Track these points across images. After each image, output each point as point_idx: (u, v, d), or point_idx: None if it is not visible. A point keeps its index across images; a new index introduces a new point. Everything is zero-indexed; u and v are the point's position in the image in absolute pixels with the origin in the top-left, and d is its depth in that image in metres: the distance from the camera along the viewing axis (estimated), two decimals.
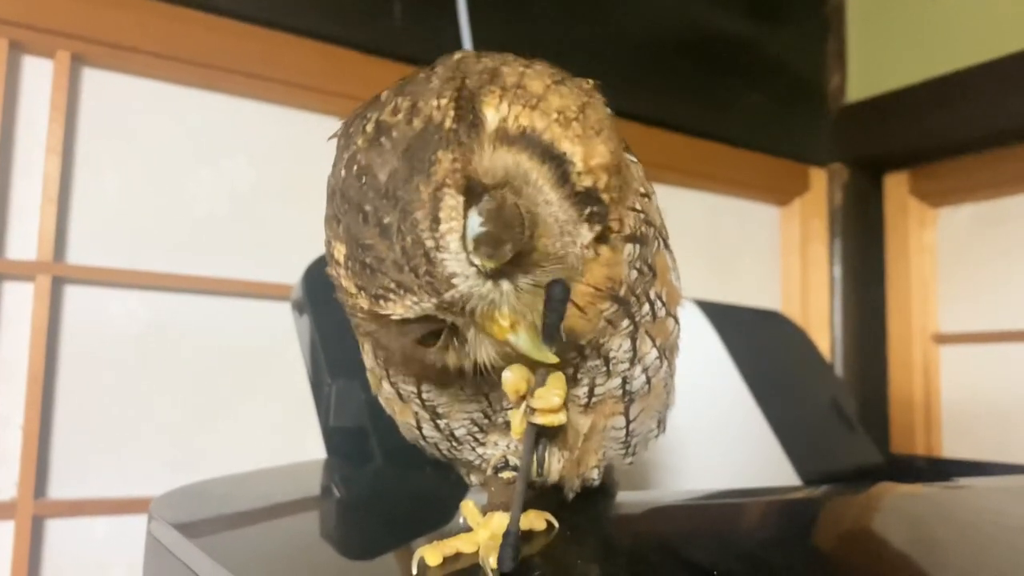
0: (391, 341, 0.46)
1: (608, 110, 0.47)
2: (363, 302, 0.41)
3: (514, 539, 0.42)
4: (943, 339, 1.87)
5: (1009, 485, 0.91)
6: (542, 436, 0.47)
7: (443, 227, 0.39)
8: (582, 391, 0.51)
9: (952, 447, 1.82)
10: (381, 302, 0.41)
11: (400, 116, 0.41)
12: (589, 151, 0.43)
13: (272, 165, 1.32)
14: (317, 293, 0.95)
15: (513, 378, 0.45)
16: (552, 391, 0.44)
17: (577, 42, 1.60)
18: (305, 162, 1.34)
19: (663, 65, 1.75)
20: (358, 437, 0.85)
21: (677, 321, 0.55)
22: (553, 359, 0.42)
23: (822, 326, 1.91)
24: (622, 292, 0.47)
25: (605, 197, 0.44)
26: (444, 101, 0.41)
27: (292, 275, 1.14)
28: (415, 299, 0.40)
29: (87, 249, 1.17)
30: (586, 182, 0.43)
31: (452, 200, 0.39)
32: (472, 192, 0.40)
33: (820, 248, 1.94)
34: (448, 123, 0.40)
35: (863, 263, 1.94)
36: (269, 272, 1.28)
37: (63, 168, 1.15)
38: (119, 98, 1.21)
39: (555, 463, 0.52)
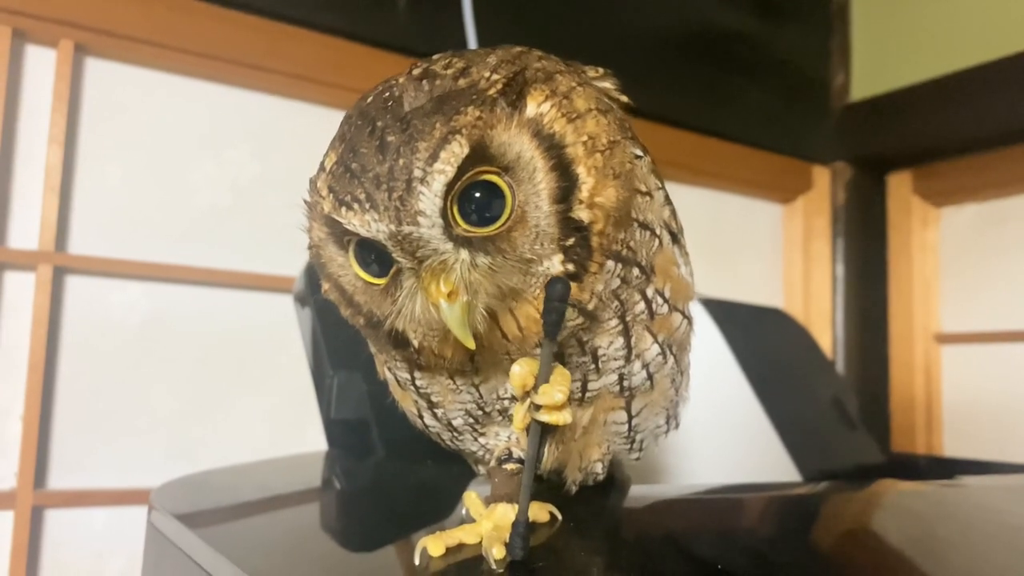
0: (335, 270, 0.48)
1: (636, 156, 0.48)
2: (326, 204, 0.42)
3: (523, 529, 0.42)
4: (945, 339, 1.86)
5: (1010, 484, 0.91)
6: (547, 432, 0.46)
7: (437, 165, 0.40)
8: (574, 386, 0.50)
9: (953, 446, 1.81)
10: (343, 209, 0.41)
11: (449, 71, 0.44)
12: (599, 186, 0.44)
13: (275, 157, 1.31)
14: (319, 284, 0.95)
15: (520, 372, 0.44)
16: (556, 387, 0.44)
17: (582, 37, 1.59)
18: (308, 154, 1.32)
19: (667, 61, 1.75)
20: (359, 429, 0.85)
21: (685, 316, 0.54)
22: (471, 344, 0.43)
23: (824, 324, 1.91)
24: (590, 305, 0.47)
25: (594, 240, 0.44)
26: (497, 76, 0.43)
27: (294, 267, 1.14)
28: (375, 217, 0.41)
29: (89, 239, 1.16)
30: (582, 214, 0.44)
31: (458, 148, 0.40)
32: (478, 153, 0.41)
33: (823, 246, 1.94)
34: (492, 91, 0.42)
35: (866, 262, 1.94)
36: (271, 264, 1.28)
37: (65, 158, 1.14)
38: (122, 88, 1.21)
39: (548, 453, 0.52)
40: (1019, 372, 1.72)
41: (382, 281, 0.45)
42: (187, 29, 1.21)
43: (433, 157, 0.40)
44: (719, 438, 1.10)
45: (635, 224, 0.47)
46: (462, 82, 0.43)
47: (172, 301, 1.21)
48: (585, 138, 0.44)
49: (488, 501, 0.50)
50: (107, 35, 1.16)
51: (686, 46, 1.78)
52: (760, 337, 1.30)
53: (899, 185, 1.95)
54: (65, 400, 1.14)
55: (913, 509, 0.69)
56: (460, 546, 0.46)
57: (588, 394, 0.51)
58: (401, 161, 0.40)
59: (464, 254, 0.42)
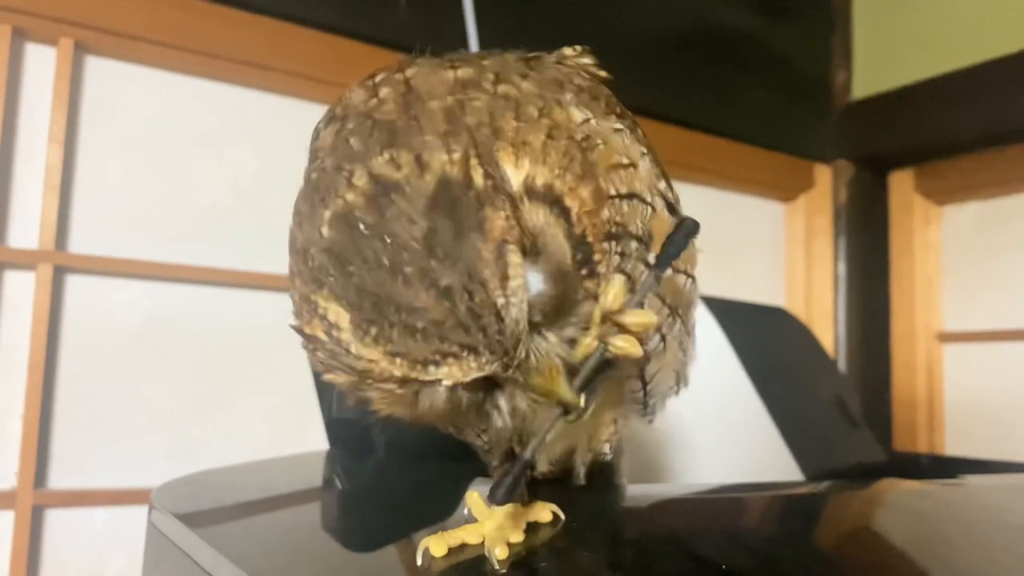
0: (406, 403, 0.43)
1: (615, 129, 0.47)
2: (399, 370, 0.39)
3: (519, 471, 0.41)
4: (947, 337, 1.86)
5: (1013, 483, 0.91)
6: (603, 371, 0.44)
7: (512, 284, 0.38)
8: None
9: (955, 446, 1.81)
10: (431, 368, 0.38)
11: (405, 171, 0.39)
12: (581, 201, 0.43)
13: (275, 156, 1.31)
14: None
15: (616, 289, 0.43)
16: (647, 314, 0.43)
17: (582, 35, 1.58)
18: (308, 153, 1.32)
19: (668, 59, 1.74)
20: (360, 429, 0.85)
21: (689, 275, 0.53)
22: (580, 404, 0.42)
23: (825, 323, 1.91)
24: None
25: (590, 239, 0.44)
26: (457, 156, 0.40)
27: None
28: (481, 360, 0.38)
29: (89, 238, 1.16)
30: (578, 229, 0.43)
31: (515, 257, 0.39)
32: (524, 249, 0.40)
33: (824, 245, 1.94)
34: (479, 180, 0.39)
35: (867, 260, 1.94)
36: (271, 263, 1.27)
37: (65, 157, 1.14)
38: (122, 87, 1.20)
39: (558, 438, 0.51)
40: (1021, 371, 1.72)
41: (470, 401, 0.43)
42: (187, 27, 1.20)
43: (504, 279, 0.38)
44: (721, 437, 1.10)
45: (617, 199, 0.47)
46: (429, 178, 0.39)
47: (173, 300, 1.21)
48: (557, 170, 0.43)
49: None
50: (107, 33, 1.15)
51: (687, 44, 1.78)
52: (762, 336, 1.29)
53: (901, 183, 1.95)
54: (65, 400, 1.13)
55: (918, 509, 0.69)
56: (463, 546, 0.46)
57: None
58: (477, 299, 0.37)
59: (546, 339, 0.42)
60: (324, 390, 0.88)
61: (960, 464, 1.32)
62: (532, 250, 0.41)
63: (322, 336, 0.41)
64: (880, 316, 1.92)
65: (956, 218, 1.89)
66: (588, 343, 0.43)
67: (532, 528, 0.48)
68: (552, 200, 0.42)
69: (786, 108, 1.94)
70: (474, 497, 0.50)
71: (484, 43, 1.22)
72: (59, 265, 1.13)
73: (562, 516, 0.49)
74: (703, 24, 1.81)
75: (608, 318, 0.43)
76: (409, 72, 0.46)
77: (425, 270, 0.37)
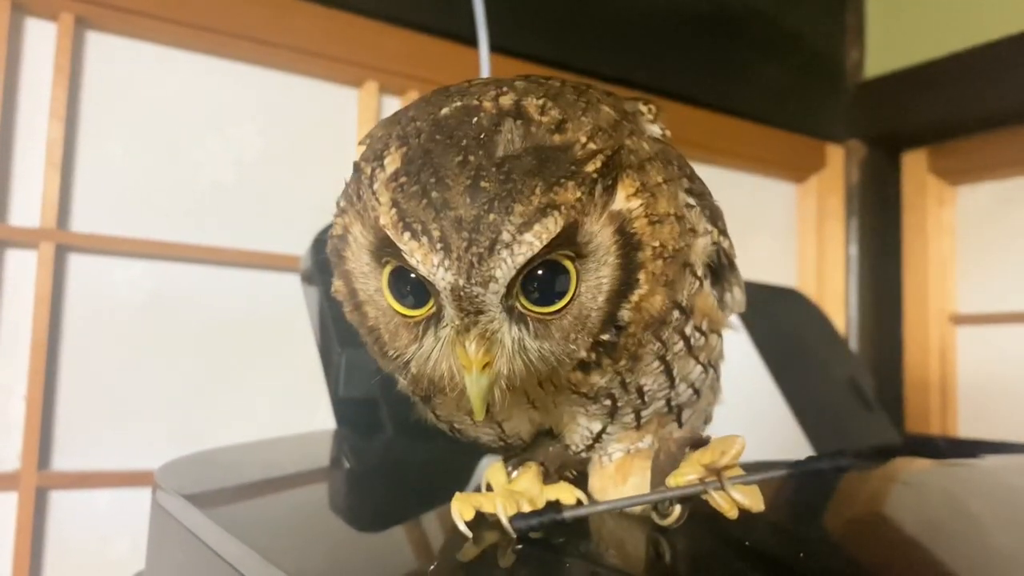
0: (357, 276, 0.44)
1: (688, 205, 0.46)
2: (384, 215, 0.39)
3: (549, 521, 0.42)
4: (960, 319, 1.84)
5: None
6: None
7: (528, 236, 0.37)
8: (628, 418, 0.49)
9: (968, 428, 1.80)
10: (407, 235, 0.38)
11: (544, 119, 0.41)
12: (649, 294, 0.43)
13: (279, 133, 1.29)
14: (326, 262, 0.93)
15: (737, 450, 0.44)
16: (758, 497, 0.43)
17: (593, 14, 1.57)
18: (313, 130, 1.31)
19: (679, 38, 1.72)
20: (368, 407, 0.84)
21: (720, 335, 0.53)
22: (480, 416, 0.41)
23: (837, 305, 1.89)
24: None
25: (624, 339, 0.43)
26: (594, 147, 0.40)
27: (298, 245, 1.12)
28: (443, 263, 0.37)
29: (91, 217, 1.15)
30: (625, 315, 0.43)
31: (553, 224, 0.38)
32: (565, 235, 0.39)
33: (836, 226, 1.92)
34: (591, 168, 0.40)
35: (880, 241, 1.92)
36: (275, 242, 1.26)
37: (67, 134, 1.13)
38: (124, 63, 1.18)
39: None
40: None
41: (412, 314, 0.42)
42: (190, 3, 1.18)
43: (527, 225, 0.37)
44: (734, 418, 1.08)
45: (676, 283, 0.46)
46: (557, 138, 0.40)
47: (176, 279, 1.20)
48: (657, 244, 0.42)
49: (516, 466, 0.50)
50: (108, 8, 1.13)
51: (699, 23, 1.75)
52: (775, 317, 1.28)
53: (914, 163, 1.92)
54: (68, 380, 1.12)
55: (941, 487, 0.68)
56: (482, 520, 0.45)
57: (642, 420, 0.50)
58: (492, 216, 0.37)
59: (514, 330, 0.40)
60: (331, 368, 0.87)
61: (974, 445, 1.31)
62: (578, 250, 0.40)
63: (365, 169, 0.42)
64: (892, 297, 1.90)
65: (970, 199, 1.87)
66: (688, 480, 0.43)
67: (554, 505, 0.47)
68: (630, 242, 0.41)
69: (798, 87, 1.91)
70: (495, 469, 0.50)
71: (493, 21, 1.19)
72: (61, 244, 1.11)
73: (585, 501, 0.48)
74: (715, 3, 1.79)
75: (713, 470, 0.43)
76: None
77: (481, 168, 0.38)
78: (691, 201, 0.47)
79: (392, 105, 1.34)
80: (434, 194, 0.38)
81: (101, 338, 1.14)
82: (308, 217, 1.17)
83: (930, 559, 0.47)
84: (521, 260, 0.38)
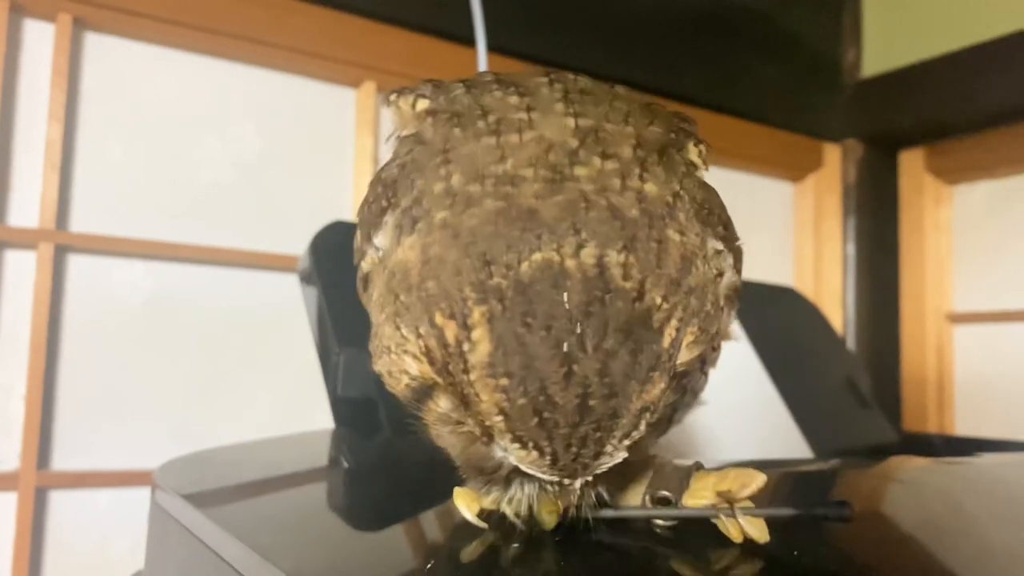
0: (456, 437, 0.43)
1: (717, 251, 0.46)
2: (491, 420, 0.37)
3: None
4: (957, 318, 1.84)
5: None
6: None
7: (625, 443, 0.37)
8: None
9: (965, 426, 1.80)
10: (515, 444, 0.38)
11: (627, 285, 0.37)
12: (650, 390, 0.40)
13: (279, 133, 1.30)
14: (325, 262, 0.93)
15: (757, 485, 0.43)
16: (764, 530, 0.42)
17: (590, 13, 1.57)
18: (313, 131, 1.31)
19: (675, 37, 1.72)
20: (367, 407, 0.84)
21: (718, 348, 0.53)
22: (550, 526, 0.42)
23: (835, 304, 1.89)
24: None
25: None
26: (666, 307, 0.38)
27: (298, 246, 1.12)
28: (547, 470, 0.38)
29: (90, 217, 1.15)
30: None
31: (644, 426, 0.38)
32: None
33: (834, 225, 1.92)
34: (667, 342, 0.38)
35: (877, 241, 1.92)
36: (275, 242, 1.26)
37: (65, 134, 1.13)
38: (123, 63, 1.19)
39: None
40: None
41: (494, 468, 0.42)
42: (189, 3, 1.19)
43: (626, 436, 0.37)
44: (731, 417, 1.08)
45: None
46: (638, 306, 0.38)
47: (176, 280, 1.20)
48: (696, 331, 0.41)
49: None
50: (107, 9, 1.14)
51: (694, 22, 1.75)
52: (772, 316, 1.28)
53: (911, 163, 1.93)
54: (68, 380, 1.12)
55: (938, 485, 0.68)
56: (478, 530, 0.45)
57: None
58: (598, 435, 0.37)
59: (587, 492, 0.41)
60: (329, 368, 0.87)
61: (971, 444, 1.31)
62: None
63: (432, 344, 0.38)
64: (890, 296, 1.91)
65: (967, 198, 1.87)
66: (703, 504, 0.43)
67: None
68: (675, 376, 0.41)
69: (795, 86, 1.91)
70: (461, 494, 0.49)
71: (489, 19, 1.20)
72: (60, 244, 1.11)
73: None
74: (711, 2, 1.79)
75: (726, 497, 0.43)
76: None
77: (588, 380, 0.36)
78: (720, 247, 0.46)
79: None
80: (545, 415, 0.36)
81: (100, 338, 1.15)
82: (307, 217, 1.18)
83: (927, 557, 0.48)
84: (618, 459, 0.38)
